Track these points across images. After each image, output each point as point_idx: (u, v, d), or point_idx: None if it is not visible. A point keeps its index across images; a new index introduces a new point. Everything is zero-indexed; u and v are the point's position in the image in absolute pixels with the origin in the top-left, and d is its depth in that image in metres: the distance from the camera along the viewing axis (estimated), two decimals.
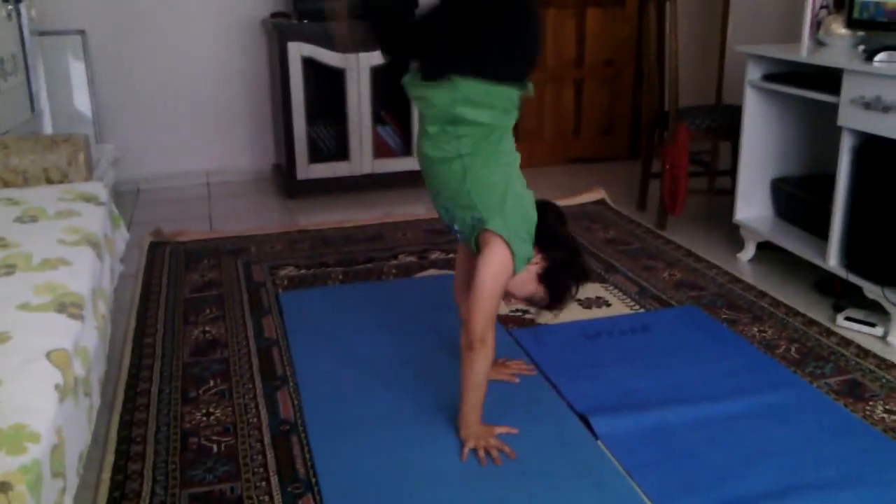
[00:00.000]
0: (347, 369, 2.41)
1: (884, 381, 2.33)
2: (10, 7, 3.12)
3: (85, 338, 1.71)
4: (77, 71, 4.17)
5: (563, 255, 2.03)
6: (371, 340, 2.58)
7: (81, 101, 4.20)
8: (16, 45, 3.21)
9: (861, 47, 3.01)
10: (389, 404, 2.22)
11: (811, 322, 2.71)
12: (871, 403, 2.21)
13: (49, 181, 2.73)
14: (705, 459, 1.96)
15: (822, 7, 3.37)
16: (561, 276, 2.03)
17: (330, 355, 2.49)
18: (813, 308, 2.85)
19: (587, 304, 2.87)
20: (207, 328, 2.70)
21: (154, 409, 2.21)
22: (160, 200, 4.33)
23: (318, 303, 2.87)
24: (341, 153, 4.31)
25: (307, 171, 4.21)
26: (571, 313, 2.79)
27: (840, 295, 2.90)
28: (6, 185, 2.68)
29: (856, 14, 3.01)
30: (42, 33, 3.89)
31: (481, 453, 1.96)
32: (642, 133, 4.11)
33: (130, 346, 2.57)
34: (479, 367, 1.96)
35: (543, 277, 2.03)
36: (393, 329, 2.65)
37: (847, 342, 2.57)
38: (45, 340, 1.55)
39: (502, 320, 2.72)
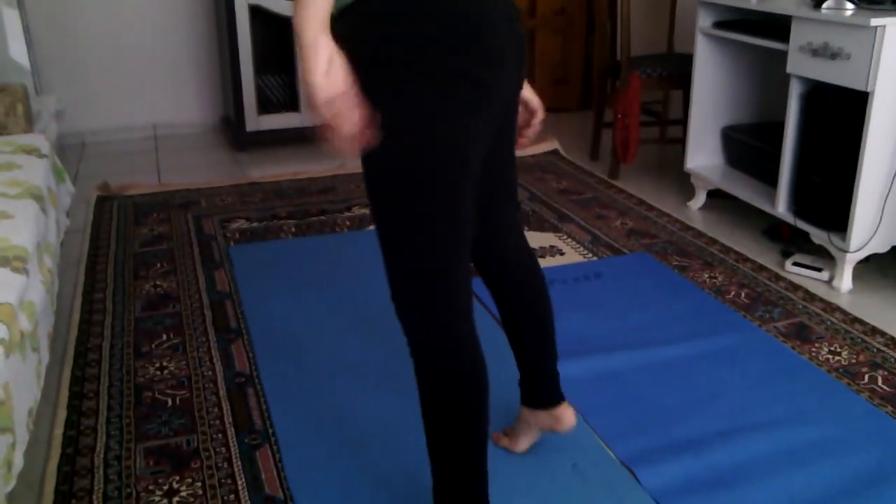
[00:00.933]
0: (302, 321, 2.39)
1: (829, 323, 2.39)
2: None
3: (30, 292, 1.67)
4: (11, 19, 3.99)
5: None
6: (324, 293, 2.57)
7: (17, 50, 4.03)
8: None
9: None
10: (344, 355, 2.22)
11: (760, 268, 2.77)
12: (816, 345, 2.27)
13: None
14: (657, 401, 2.01)
15: None
16: None
17: (283, 308, 2.47)
18: (762, 254, 2.90)
19: (541, 253, 2.89)
20: (158, 282, 2.66)
21: (106, 364, 2.18)
22: (106, 154, 4.21)
23: (270, 256, 2.84)
24: (291, 104, 4.23)
25: (257, 122, 4.12)
26: None
27: (788, 241, 2.96)
28: None
29: None
30: None
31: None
32: (594, 83, 4.12)
33: (80, 302, 2.52)
34: None
35: None
36: (345, 281, 2.64)
37: (795, 287, 2.63)
38: None
39: None
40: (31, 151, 2.44)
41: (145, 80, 4.43)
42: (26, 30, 4.02)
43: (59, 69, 4.25)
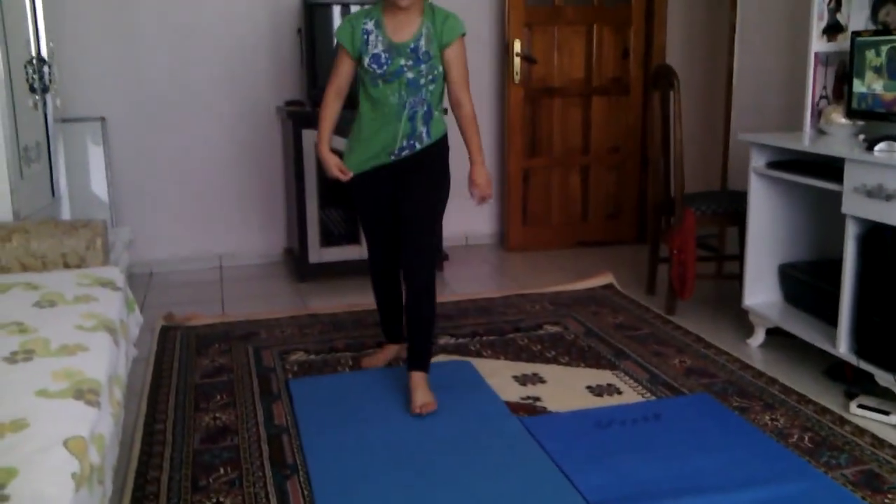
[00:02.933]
0: (358, 459, 2.39)
1: None
2: (37, 97, 3.22)
3: (101, 425, 1.72)
4: (96, 156, 4.28)
5: None
6: (382, 429, 2.57)
7: (99, 185, 4.29)
8: (40, 133, 3.31)
9: (861, 136, 3.08)
10: (401, 495, 2.20)
11: (824, 410, 2.70)
12: (889, 496, 2.18)
13: (67, 265, 2.77)
14: None
15: (821, 97, 3.47)
16: None
17: (340, 444, 2.48)
18: (825, 395, 2.83)
19: (598, 391, 2.87)
20: (218, 414, 2.70)
21: (164, 497, 2.20)
22: (173, 283, 4.37)
23: (329, 390, 2.87)
24: (352, 237, 4.37)
25: (319, 254, 4.26)
26: (583, 401, 2.79)
27: (852, 382, 2.89)
28: (25, 269, 2.72)
29: (854, 105, 3.10)
30: (64, 120, 4.00)
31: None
32: (649, 218, 4.18)
33: (141, 433, 2.57)
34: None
35: None
36: (402, 417, 2.65)
37: (861, 431, 2.55)
38: (62, 428, 1.56)
39: (513, 409, 2.71)
40: (106, 284, 2.55)
41: (214, 213, 4.64)
42: (108, 166, 4.29)
43: (133, 201, 4.49)
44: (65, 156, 3.93)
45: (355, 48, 2.65)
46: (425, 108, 2.70)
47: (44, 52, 3.34)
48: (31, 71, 3.16)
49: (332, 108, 2.77)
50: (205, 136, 4.55)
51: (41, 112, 3.32)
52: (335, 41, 2.85)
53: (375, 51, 2.61)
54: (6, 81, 2.86)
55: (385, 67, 2.61)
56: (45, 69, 3.29)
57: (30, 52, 3.21)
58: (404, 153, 2.72)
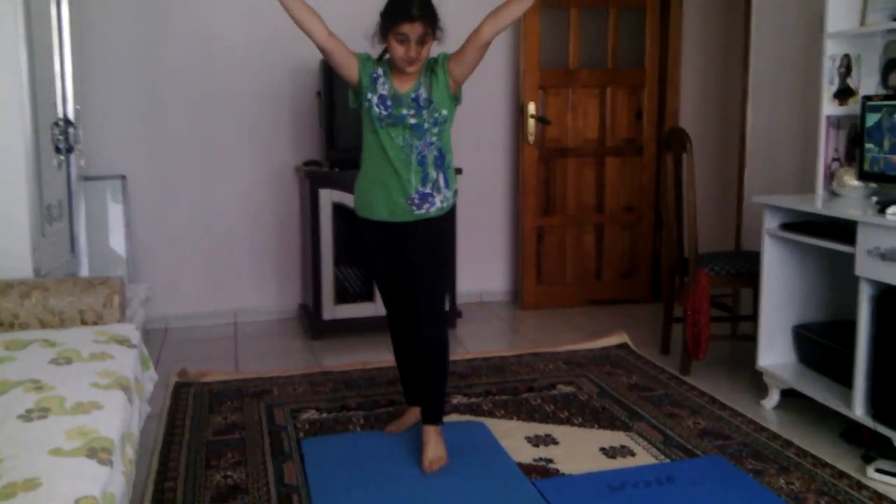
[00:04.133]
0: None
1: None
2: (62, 157, 3.30)
3: (112, 484, 1.73)
4: (115, 213, 4.36)
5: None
6: (393, 490, 2.56)
7: (117, 241, 4.36)
8: (63, 192, 3.38)
9: (874, 198, 3.09)
10: None
11: (840, 474, 2.66)
12: None
13: (84, 322, 2.81)
14: None
15: (834, 160, 3.49)
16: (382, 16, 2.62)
17: (346, 487, 2.46)
18: (841, 459, 2.80)
19: (612, 453, 2.84)
20: (229, 473, 2.70)
21: None
22: (188, 339, 4.40)
23: (340, 450, 2.86)
24: (366, 294, 4.40)
25: (333, 311, 4.28)
26: (596, 463, 2.76)
27: (869, 445, 2.85)
28: (43, 325, 2.75)
29: (866, 167, 3.12)
30: (86, 178, 4.09)
31: None
32: (663, 277, 4.19)
33: (152, 490, 2.57)
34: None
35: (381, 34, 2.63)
36: (415, 477, 2.63)
37: (880, 496, 2.51)
38: (74, 487, 1.57)
39: (526, 470, 2.69)
40: (122, 341, 2.58)
41: (229, 269, 4.69)
42: (127, 223, 4.36)
43: (150, 258, 4.55)
44: (85, 213, 4.01)
45: (366, 72, 2.65)
46: (436, 153, 2.69)
47: (70, 114, 3.43)
48: (57, 132, 3.25)
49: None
50: (223, 194, 4.62)
51: (65, 171, 3.39)
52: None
53: (382, 91, 2.64)
54: (33, 142, 2.94)
55: (390, 110, 2.63)
56: (71, 130, 3.38)
57: (56, 113, 3.31)
58: (425, 206, 2.69)
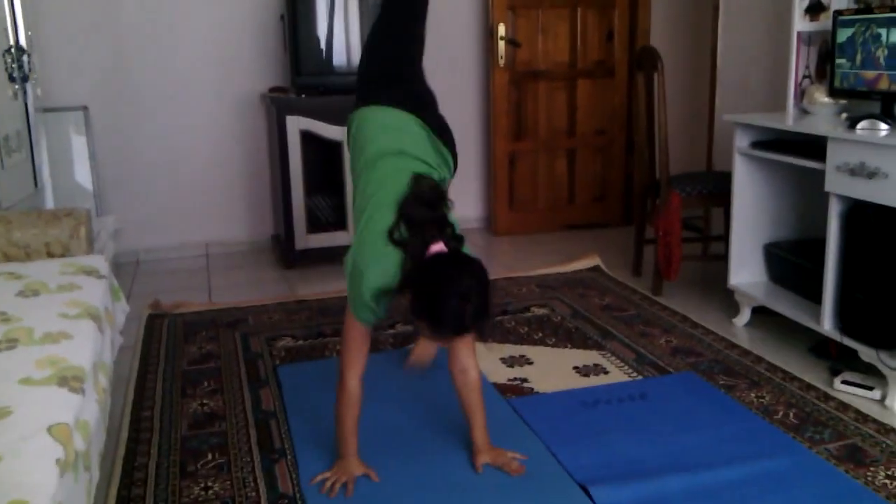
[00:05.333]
0: None
1: (884, 445, 2.33)
2: (16, 87, 3.20)
3: (86, 411, 1.72)
4: (79, 146, 4.25)
5: (423, 286, 1.93)
6: (369, 413, 2.57)
7: (82, 175, 4.26)
8: (21, 123, 3.29)
9: (844, 115, 3.09)
10: (387, 478, 2.21)
11: (808, 386, 2.72)
12: (871, 469, 2.20)
13: (51, 255, 2.76)
14: None
15: (804, 77, 3.48)
16: (428, 306, 1.91)
17: (329, 428, 2.47)
18: (810, 372, 2.86)
19: (585, 371, 2.88)
20: (205, 401, 2.70)
21: (152, 483, 2.20)
22: (159, 272, 4.36)
23: (316, 376, 2.87)
24: (339, 223, 4.36)
25: (305, 240, 4.25)
26: (570, 381, 2.80)
27: (836, 358, 2.91)
28: (8, 259, 2.70)
29: (837, 84, 3.11)
30: (46, 110, 3.97)
31: (328, 485, 2.13)
32: (635, 200, 4.18)
33: (128, 420, 2.57)
34: (336, 407, 2.20)
35: (415, 312, 1.94)
36: (391, 401, 2.65)
37: (845, 406, 2.57)
38: (46, 415, 1.56)
39: (501, 390, 2.72)
40: (90, 272, 2.54)
41: (199, 201, 4.62)
42: (92, 156, 4.26)
43: (118, 190, 4.46)
44: (47, 146, 3.91)
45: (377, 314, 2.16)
46: None
47: (22, 41, 3.31)
48: (9, 60, 3.14)
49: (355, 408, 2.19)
50: (189, 124, 4.52)
51: (21, 101, 3.29)
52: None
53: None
54: None
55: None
56: (25, 58, 3.26)
57: (7, 41, 3.18)
58: None
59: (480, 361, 2.94)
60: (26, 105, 3.35)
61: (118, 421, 2.55)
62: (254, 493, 2.14)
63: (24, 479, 1.35)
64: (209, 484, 2.19)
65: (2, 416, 1.55)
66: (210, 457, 2.33)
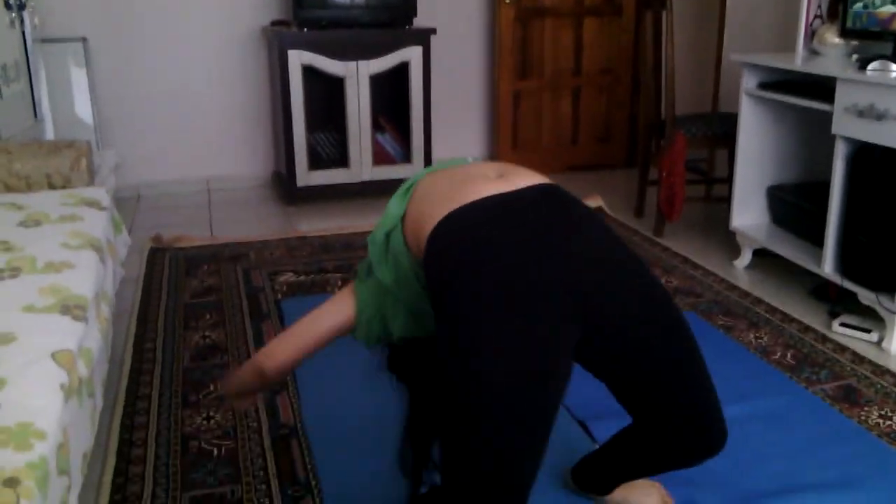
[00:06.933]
0: (347, 375, 2.42)
1: (878, 386, 2.35)
2: (13, 15, 3.14)
3: (88, 339, 1.73)
4: (78, 78, 4.20)
5: None
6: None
7: (83, 107, 4.22)
8: (19, 53, 3.24)
9: (854, 56, 3.04)
10: (390, 410, 2.23)
11: (807, 328, 2.74)
12: (865, 409, 2.23)
13: (52, 186, 2.75)
14: (705, 465, 1.97)
15: (815, 17, 3.41)
16: None
17: (329, 362, 2.49)
18: (809, 314, 2.87)
19: None
20: (207, 333, 2.72)
21: (155, 412, 2.23)
22: (161, 206, 4.35)
23: None
24: (341, 160, 4.34)
25: (307, 177, 4.23)
26: None
27: (835, 301, 2.92)
28: (9, 190, 2.70)
29: (849, 24, 3.05)
30: (44, 41, 3.92)
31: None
32: (639, 141, 4.16)
33: (131, 351, 2.59)
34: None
35: None
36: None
37: (842, 348, 2.59)
38: (49, 341, 1.57)
39: None
40: (92, 204, 2.54)
41: (201, 137, 4.58)
42: (92, 88, 4.22)
43: (119, 125, 4.42)
44: (47, 78, 3.87)
45: None
46: None
47: None
48: None
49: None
50: (190, 58, 4.46)
51: (18, 30, 3.24)
52: None
53: None
54: None
55: None
56: None
57: None
58: None
59: None
60: (24, 34, 3.30)
61: (121, 351, 2.57)
62: (255, 424, 2.17)
63: (30, 402, 1.37)
64: (211, 414, 2.22)
65: (6, 341, 1.56)
66: (212, 388, 2.36)
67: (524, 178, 1.55)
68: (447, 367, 1.38)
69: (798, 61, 3.14)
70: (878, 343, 2.63)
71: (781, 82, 3.12)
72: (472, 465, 1.36)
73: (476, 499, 1.38)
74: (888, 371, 2.44)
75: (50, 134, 3.81)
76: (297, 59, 4.05)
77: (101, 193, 2.66)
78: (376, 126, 4.37)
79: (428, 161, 4.38)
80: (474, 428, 1.35)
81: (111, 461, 2.01)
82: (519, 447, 1.36)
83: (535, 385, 1.35)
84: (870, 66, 2.69)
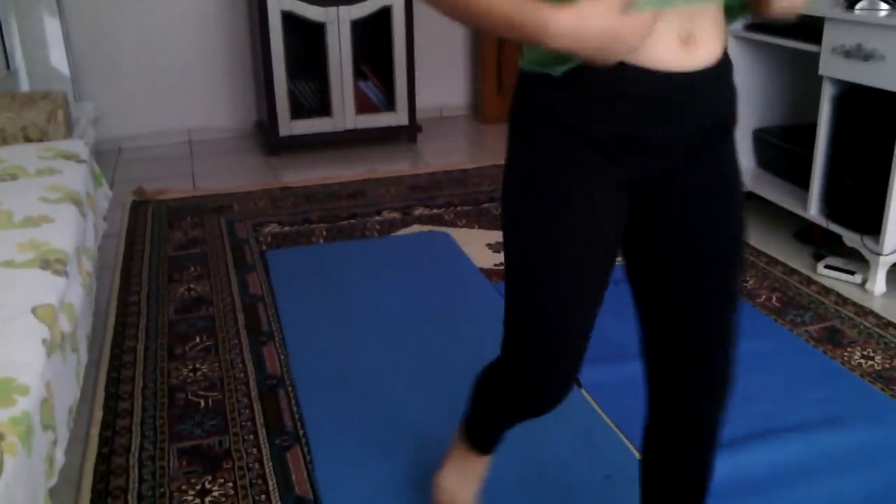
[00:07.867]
0: (334, 326, 2.42)
1: (861, 327, 2.37)
2: None
3: (70, 294, 1.71)
4: (52, 28, 4.09)
5: None
6: (359, 298, 2.59)
7: (58, 58, 4.12)
8: None
9: None
10: (376, 359, 2.24)
11: (792, 271, 2.75)
12: (849, 350, 2.25)
13: (28, 139, 2.70)
14: None
15: None
16: None
17: (316, 312, 2.50)
18: (794, 257, 2.88)
19: None
20: (192, 285, 2.70)
21: (140, 365, 2.22)
22: (142, 159, 4.29)
23: (306, 261, 2.87)
24: (323, 109, 4.28)
25: (289, 127, 4.17)
26: None
27: (820, 244, 2.93)
28: None
29: None
30: None
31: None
32: None
33: (115, 304, 2.57)
34: None
35: None
36: (380, 286, 2.66)
37: (827, 290, 2.61)
38: (30, 296, 1.55)
39: (488, 275, 2.74)
40: (70, 157, 2.49)
41: (180, 87, 4.50)
42: (66, 38, 4.11)
43: (96, 76, 4.33)
44: (18, 27, 3.77)
45: None
46: None
47: None
48: None
49: None
50: (166, 7, 4.35)
51: None
52: None
53: None
54: None
55: None
56: None
57: None
58: None
59: (467, 247, 2.95)
60: None
61: (105, 306, 2.56)
62: (242, 374, 2.17)
63: (12, 358, 1.35)
64: (197, 366, 2.21)
65: None
66: (198, 340, 2.35)
67: None
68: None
69: None
70: (862, 285, 2.65)
71: (768, 24, 3.08)
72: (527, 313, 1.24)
73: (526, 359, 1.30)
74: (871, 312, 2.46)
75: (25, 86, 3.73)
76: (277, 4, 3.96)
77: (79, 146, 2.62)
78: (358, 73, 4.30)
79: (412, 109, 4.32)
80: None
81: (98, 415, 2.00)
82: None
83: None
84: (857, 6, 2.65)
